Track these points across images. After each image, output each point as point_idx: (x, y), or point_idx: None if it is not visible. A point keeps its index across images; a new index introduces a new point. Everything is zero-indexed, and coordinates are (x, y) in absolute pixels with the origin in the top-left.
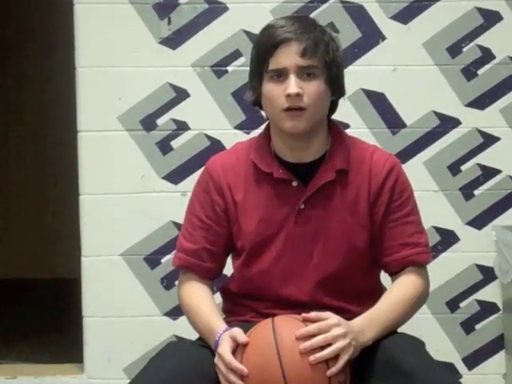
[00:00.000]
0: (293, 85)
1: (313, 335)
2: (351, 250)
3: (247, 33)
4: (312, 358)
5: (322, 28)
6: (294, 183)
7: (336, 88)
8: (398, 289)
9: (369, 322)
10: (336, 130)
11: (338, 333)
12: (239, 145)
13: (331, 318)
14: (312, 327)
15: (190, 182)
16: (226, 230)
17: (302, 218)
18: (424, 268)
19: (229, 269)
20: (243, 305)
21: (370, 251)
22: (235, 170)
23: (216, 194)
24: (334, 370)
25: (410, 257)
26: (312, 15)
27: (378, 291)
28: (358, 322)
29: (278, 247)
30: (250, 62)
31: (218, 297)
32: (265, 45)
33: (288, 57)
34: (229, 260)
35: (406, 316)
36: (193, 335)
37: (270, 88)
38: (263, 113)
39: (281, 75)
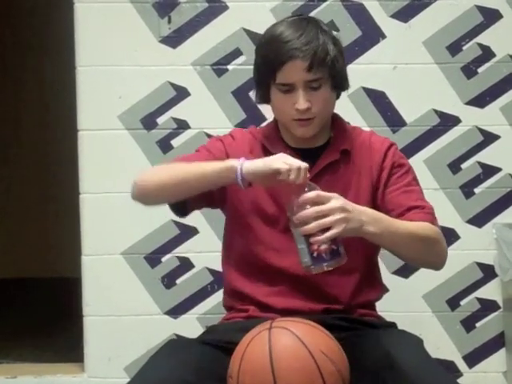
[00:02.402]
0: (302, 100)
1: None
2: None
3: (247, 31)
4: (302, 229)
5: (325, 33)
6: None
7: (341, 86)
8: (411, 223)
9: (375, 218)
10: (337, 117)
11: (335, 205)
12: (254, 128)
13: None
14: (312, 193)
15: None
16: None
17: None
18: (437, 227)
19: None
20: (242, 296)
21: None
22: (251, 146)
23: (230, 152)
24: (320, 238)
25: (417, 215)
26: (312, 14)
27: (375, 268)
28: (368, 209)
29: (283, 222)
30: (254, 66)
31: (219, 295)
32: (272, 60)
33: (295, 73)
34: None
35: (414, 242)
36: (193, 334)
37: (278, 98)
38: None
39: (288, 88)
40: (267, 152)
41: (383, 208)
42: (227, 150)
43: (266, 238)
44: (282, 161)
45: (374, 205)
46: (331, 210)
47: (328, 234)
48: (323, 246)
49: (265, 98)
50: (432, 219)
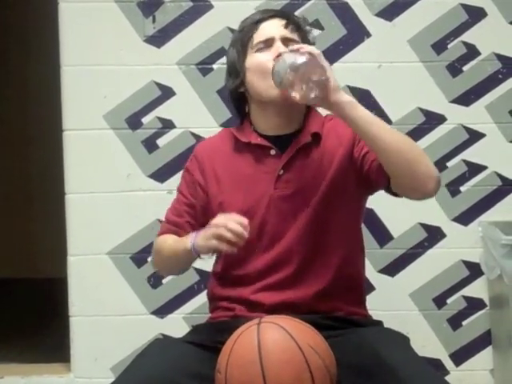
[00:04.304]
0: (282, 46)
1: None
2: (327, 205)
3: (232, 30)
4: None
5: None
6: (273, 152)
7: None
8: None
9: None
10: (310, 107)
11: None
12: (225, 129)
13: None
14: (311, 47)
15: (176, 180)
16: (208, 207)
17: (281, 182)
18: None
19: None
20: (229, 297)
21: (349, 207)
22: (218, 148)
23: (198, 173)
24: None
25: None
26: (297, 12)
27: (357, 246)
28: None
29: (262, 213)
30: (229, 52)
31: (202, 297)
32: (248, 25)
33: (273, 28)
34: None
35: (397, 137)
36: (179, 334)
37: (257, 57)
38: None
39: (267, 46)
40: (239, 143)
41: (360, 160)
42: (196, 177)
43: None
44: (213, 233)
45: (356, 176)
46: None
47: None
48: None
49: (241, 78)
50: None
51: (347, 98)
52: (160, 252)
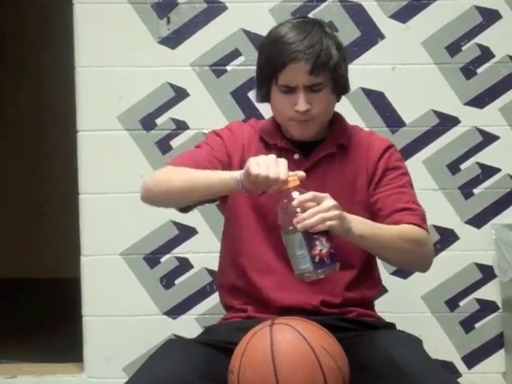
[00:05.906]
0: (302, 102)
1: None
2: None
3: (246, 32)
4: (296, 223)
5: (330, 37)
6: (296, 156)
7: (342, 90)
8: (397, 225)
9: (361, 220)
10: (337, 115)
11: (332, 203)
12: (255, 121)
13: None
14: (308, 194)
15: None
16: None
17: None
18: (425, 230)
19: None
20: (238, 290)
21: None
22: (249, 143)
23: (229, 148)
24: (306, 222)
25: (405, 217)
26: (311, 14)
27: (373, 266)
28: (352, 215)
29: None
30: (257, 66)
31: (215, 298)
32: (275, 60)
33: (298, 75)
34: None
35: (400, 244)
36: (192, 334)
37: (279, 98)
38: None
39: (290, 90)
40: (265, 142)
41: (375, 209)
42: (226, 144)
43: (261, 234)
44: (256, 163)
45: (368, 206)
46: (329, 208)
47: (322, 226)
48: (324, 250)
49: (265, 97)
50: (420, 222)
51: (354, 233)
52: (177, 177)
